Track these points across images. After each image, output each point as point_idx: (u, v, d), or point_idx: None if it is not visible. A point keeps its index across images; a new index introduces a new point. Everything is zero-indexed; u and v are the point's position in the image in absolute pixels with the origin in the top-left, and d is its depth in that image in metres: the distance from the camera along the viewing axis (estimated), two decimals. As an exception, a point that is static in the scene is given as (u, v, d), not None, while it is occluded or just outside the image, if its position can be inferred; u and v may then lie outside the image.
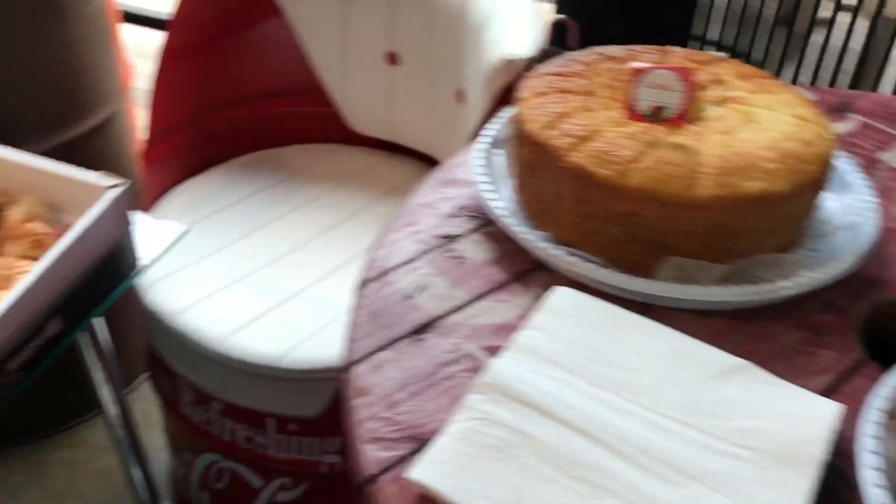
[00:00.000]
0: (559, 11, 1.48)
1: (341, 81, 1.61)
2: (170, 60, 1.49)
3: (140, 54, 1.78)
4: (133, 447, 1.23)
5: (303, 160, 1.65)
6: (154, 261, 1.02)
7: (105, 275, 0.96)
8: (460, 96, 1.43)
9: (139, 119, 1.78)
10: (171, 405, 1.42)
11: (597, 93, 0.73)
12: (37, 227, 0.95)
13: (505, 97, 1.19)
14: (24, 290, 0.85)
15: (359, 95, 1.62)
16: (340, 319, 1.31)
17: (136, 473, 1.26)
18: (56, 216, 1.00)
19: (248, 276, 1.39)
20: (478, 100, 1.31)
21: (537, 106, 0.72)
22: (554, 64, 0.77)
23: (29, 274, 0.88)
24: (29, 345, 0.87)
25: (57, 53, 1.49)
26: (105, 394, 1.15)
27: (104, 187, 0.95)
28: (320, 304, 1.34)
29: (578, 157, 0.67)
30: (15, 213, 0.97)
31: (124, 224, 0.97)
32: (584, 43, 1.42)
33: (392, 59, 1.55)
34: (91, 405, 1.75)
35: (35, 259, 0.93)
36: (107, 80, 1.62)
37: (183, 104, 1.56)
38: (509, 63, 1.19)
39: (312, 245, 1.47)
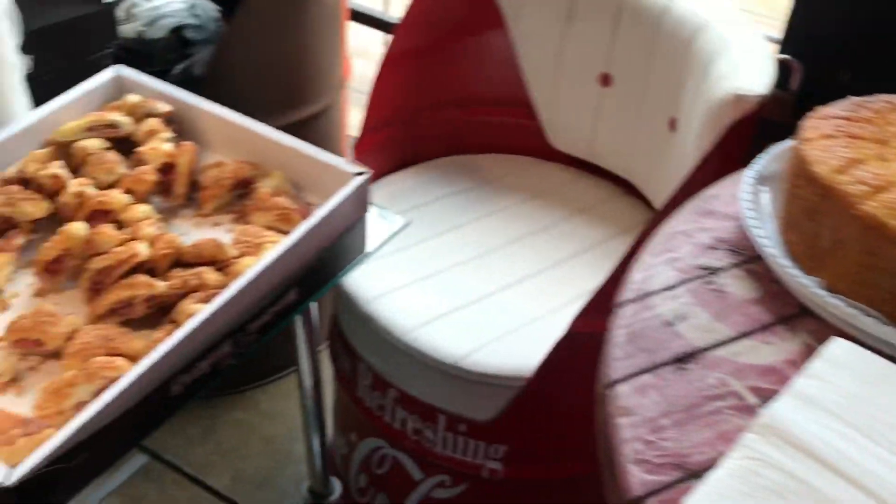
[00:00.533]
0: (782, 51, 1.42)
1: (550, 97, 1.61)
2: (394, 59, 1.53)
3: (358, 53, 1.84)
4: (318, 417, 1.26)
5: (499, 169, 1.66)
6: (376, 249, 1.05)
7: (338, 254, 0.99)
8: (673, 125, 1.40)
9: (350, 115, 1.85)
10: (347, 385, 1.46)
11: (890, 142, 0.70)
12: (284, 201, 0.99)
13: (732, 133, 1.16)
14: (274, 260, 0.89)
15: (565, 112, 1.61)
16: (523, 329, 1.31)
17: (316, 443, 1.30)
18: (299, 193, 1.04)
19: (438, 273, 1.41)
20: (695, 131, 1.28)
21: (825, 148, 0.69)
22: (838, 107, 0.75)
23: (278, 245, 0.92)
24: (268, 310, 0.91)
25: (292, 42, 1.57)
26: (304, 363, 1.18)
27: (351, 173, 0.98)
28: (505, 311, 1.35)
29: (872, 207, 0.64)
30: (265, 186, 1.01)
31: (362, 210, 1.00)
32: (807, 86, 1.37)
33: (605, 80, 1.54)
34: (266, 373, 1.83)
35: (279, 231, 0.98)
36: (329, 72, 1.69)
37: (398, 100, 1.61)
38: (740, 99, 1.16)
39: (501, 252, 1.47)
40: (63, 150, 1.07)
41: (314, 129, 1.76)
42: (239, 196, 1.05)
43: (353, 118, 1.82)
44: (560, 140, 1.65)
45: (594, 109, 1.58)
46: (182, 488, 1.63)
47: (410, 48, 1.56)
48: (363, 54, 1.58)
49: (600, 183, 1.64)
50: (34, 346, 0.87)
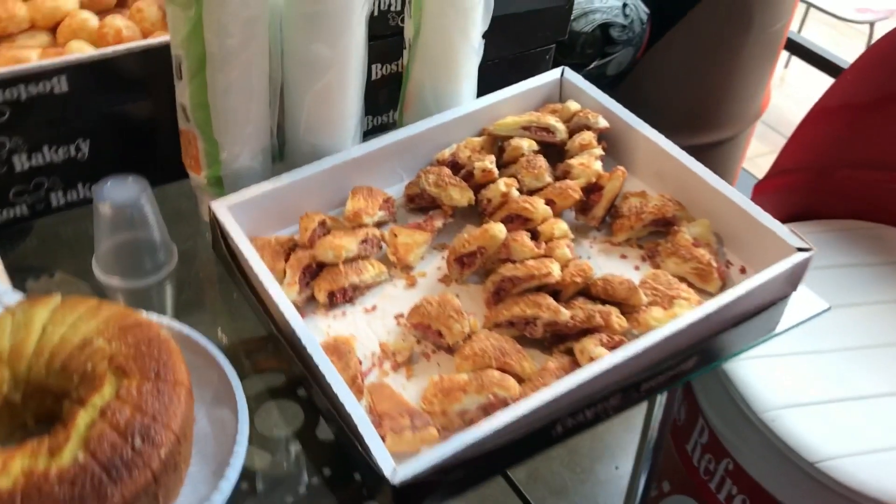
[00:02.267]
0: None
1: None
2: (829, 107, 1.35)
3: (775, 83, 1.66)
4: (653, 456, 1.17)
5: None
6: (788, 329, 0.91)
7: (750, 328, 0.87)
8: None
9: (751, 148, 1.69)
10: (678, 432, 1.33)
11: None
12: (705, 255, 0.89)
13: None
14: (691, 323, 0.79)
15: None
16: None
17: (642, 480, 1.21)
18: (720, 247, 0.93)
19: (820, 352, 1.21)
20: None
21: None
22: None
23: (694, 307, 0.82)
24: (665, 372, 0.82)
25: (722, 65, 1.46)
26: (659, 401, 1.09)
27: (793, 247, 0.85)
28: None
29: None
30: (687, 233, 0.92)
31: (791, 288, 0.87)
32: None
33: None
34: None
35: (692, 285, 0.88)
36: (749, 103, 1.55)
37: (819, 150, 1.42)
38: None
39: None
40: (495, 142, 1.05)
41: (712, 156, 1.64)
42: (653, 233, 0.97)
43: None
44: None
45: None
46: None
47: (851, 100, 1.36)
48: (778, 84, 1.41)
49: None
50: (432, 335, 0.86)
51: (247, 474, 0.77)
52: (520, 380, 0.82)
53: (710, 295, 0.89)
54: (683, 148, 1.00)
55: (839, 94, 1.37)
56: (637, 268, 0.95)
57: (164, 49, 0.93)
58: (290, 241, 0.96)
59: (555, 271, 0.86)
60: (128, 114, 0.98)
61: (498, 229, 0.90)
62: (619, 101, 1.06)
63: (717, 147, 1.64)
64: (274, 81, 0.94)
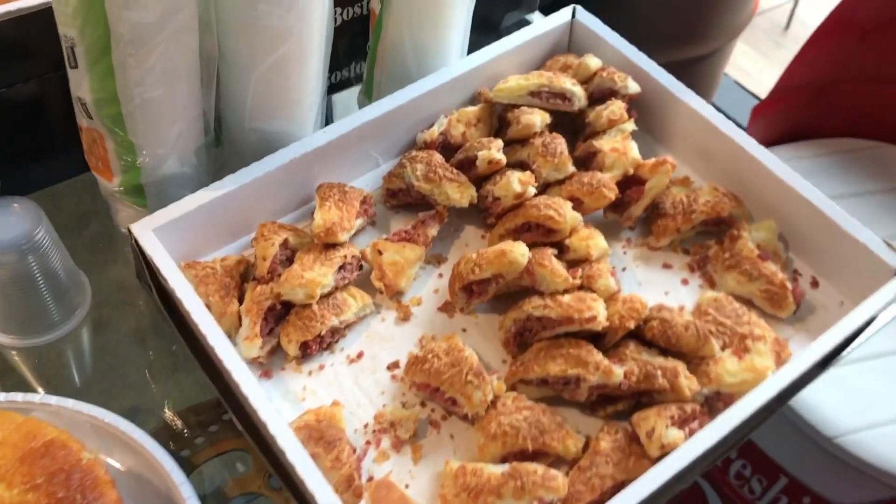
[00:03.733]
0: None
1: None
2: (837, 24, 1.17)
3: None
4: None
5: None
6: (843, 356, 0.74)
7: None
8: None
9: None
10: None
11: None
12: (776, 273, 0.70)
13: None
14: (785, 386, 0.61)
15: None
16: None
17: None
18: (785, 252, 0.75)
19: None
20: None
21: None
22: None
23: (771, 355, 0.64)
24: (740, 437, 0.64)
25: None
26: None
27: (893, 268, 0.67)
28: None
29: None
30: (749, 239, 0.72)
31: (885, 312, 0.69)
32: None
33: None
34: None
35: (759, 310, 0.70)
36: (739, 10, 1.34)
37: (822, 67, 1.25)
38: None
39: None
40: (494, 112, 0.82)
41: (696, 71, 1.43)
42: (701, 232, 0.77)
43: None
44: None
45: None
46: None
47: (858, 18, 1.18)
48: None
49: None
50: (442, 400, 0.66)
51: None
52: (562, 462, 0.63)
53: (781, 321, 0.72)
54: (665, 65, 0.80)
55: (846, 12, 1.18)
56: (685, 282, 0.75)
57: (47, 14, 0.65)
58: (240, 265, 0.73)
59: (600, 313, 0.66)
60: (9, 98, 0.70)
61: (519, 252, 0.68)
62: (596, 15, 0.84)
63: (704, 61, 1.42)
64: (208, 61, 0.67)
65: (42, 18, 0.64)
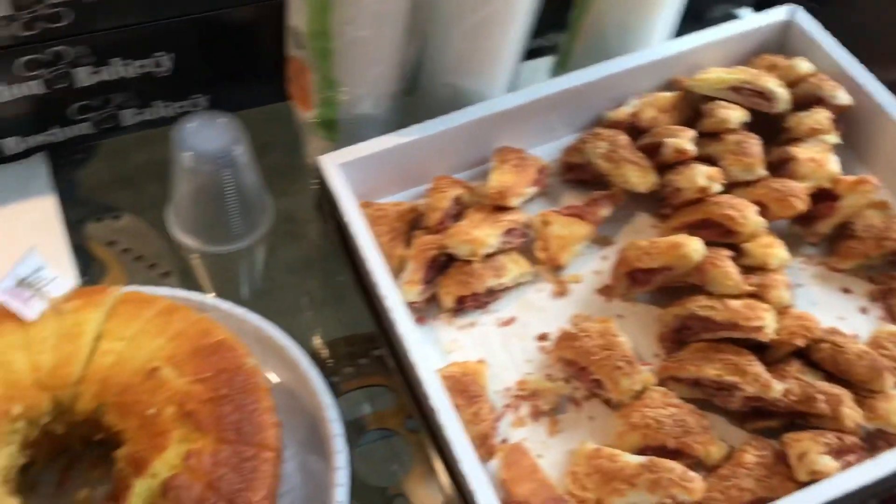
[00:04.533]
0: None
1: None
2: None
3: None
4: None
5: None
6: None
7: None
8: None
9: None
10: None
11: None
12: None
13: None
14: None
15: None
16: None
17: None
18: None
19: None
20: None
21: None
22: None
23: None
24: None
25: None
26: None
27: None
28: None
29: None
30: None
31: None
32: None
33: None
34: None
35: None
36: None
37: None
38: None
39: None
40: (690, 102, 0.79)
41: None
42: (891, 262, 0.72)
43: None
44: None
45: None
46: None
47: None
48: None
49: None
50: (587, 380, 0.65)
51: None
52: (700, 466, 0.61)
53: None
54: (886, 83, 0.74)
55: None
56: (864, 310, 0.70)
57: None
58: (412, 213, 0.74)
59: (768, 325, 0.63)
60: (218, 21, 0.74)
61: (693, 247, 0.66)
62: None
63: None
64: (417, 9, 0.69)
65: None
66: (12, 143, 0.75)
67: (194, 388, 0.54)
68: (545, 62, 0.89)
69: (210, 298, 0.66)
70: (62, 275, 0.59)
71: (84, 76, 0.72)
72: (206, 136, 0.68)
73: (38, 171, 0.74)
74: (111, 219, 0.77)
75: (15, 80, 0.69)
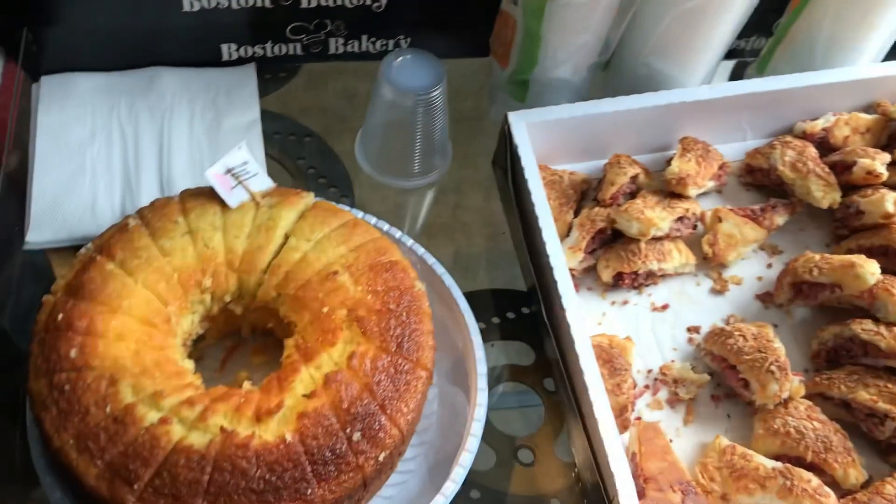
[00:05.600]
0: None
1: None
2: None
3: None
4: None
5: None
6: None
7: None
8: None
9: None
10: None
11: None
12: None
13: None
14: None
15: None
16: None
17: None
18: None
19: None
20: None
21: None
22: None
23: None
24: None
25: None
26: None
27: None
28: None
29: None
30: None
31: None
32: None
33: None
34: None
35: None
36: None
37: None
38: None
39: None
40: (888, 127, 0.76)
41: None
42: None
43: None
44: None
45: None
46: None
47: None
48: None
49: None
50: (733, 378, 0.65)
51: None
52: (834, 486, 0.60)
53: None
54: None
55: None
56: None
57: None
58: (584, 184, 0.75)
59: (932, 359, 0.61)
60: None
61: (869, 270, 0.65)
62: None
63: None
64: (637, -16, 0.69)
65: None
66: (229, 50, 0.80)
67: (366, 298, 0.57)
68: (737, 65, 0.88)
69: (384, 224, 0.69)
70: (261, 171, 0.64)
71: (307, -2, 0.76)
72: (411, 73, 0.71)
73: (248, 79, 0.79)
74: (302, 137, 0.81)
75: (246, -9, 0.74)
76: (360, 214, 0.69)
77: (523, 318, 0.72)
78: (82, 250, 0.60)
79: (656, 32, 0.72)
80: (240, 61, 0.81)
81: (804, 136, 0.76)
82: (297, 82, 0.85)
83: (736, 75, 0.88)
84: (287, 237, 0.61)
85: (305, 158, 0.80)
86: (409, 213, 0.78)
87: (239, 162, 0.62)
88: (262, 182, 0.63)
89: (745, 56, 0.88)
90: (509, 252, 0.75)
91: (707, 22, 0.71)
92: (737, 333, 0.66)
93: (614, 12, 0.71)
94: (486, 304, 0.74)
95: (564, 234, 0.72)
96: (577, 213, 0.74)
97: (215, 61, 0.80)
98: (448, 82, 0.73)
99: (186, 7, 0.74)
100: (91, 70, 0.77)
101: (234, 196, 0.61)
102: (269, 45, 0.80)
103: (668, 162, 0.76)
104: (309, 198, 0.63)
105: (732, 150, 0.79)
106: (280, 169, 0.79)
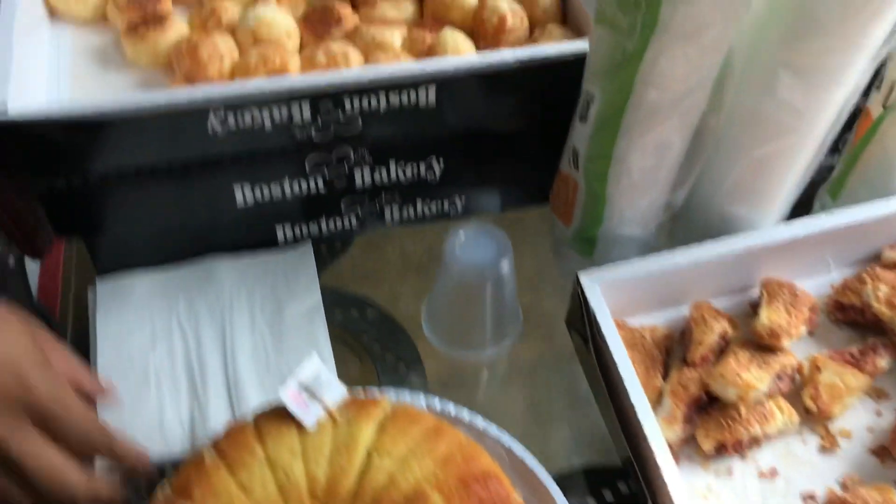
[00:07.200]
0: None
1: None
2: None
3: None
4: None
5: None
6: None
7: None
8: None
9: None
10: None
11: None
12: None
13: None
14: None
15: None
16: None
17: None
18: None
19: None
20: None
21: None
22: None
23: None
24: None
25: None
26: None
27: None
28: None
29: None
30: None
31: None
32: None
33: None
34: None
35: None
36: None
37: None
38: None
39: None
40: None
41: None
42: None
43: None
44: None
45: None
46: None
47: None
48: None
49: None
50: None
51: None
52: None
53: None
54: None
55: None
56: None
57: (567, 63, 0.67)
58: (667, 339, 0.71)
59: None
60: (489, 130, 0.74)
61: None
62: None
63: None
64: (703, 139, 0.66)
65: (573, 69, 0.66)
66: (283, 230, 0.78)
67: (462, 521, 0.53)
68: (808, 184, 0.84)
69: (464, 411, 0.64)
70: (334, 380, 0.60)
71: (361, 176, 0.73)
72: (477, 248, 0.67)
73: (306, 262, 0.76)
74: (363, 309, 0.78)
75: (301, 176, 0.72)
76: (437, 404, 0.64)
77: (623, 498, 0.67)
78: (158, 491, 0.56)
79: (727, 181, 0.68)
80: (295, 240, 0.78)
81: (894, 265, 0.71)
82: (353, 251, 0.82)
83: (805, 194, 0.84)
84: (370, 455, 0.57)
85: (368, 332, 0.76)
86: (479, 386, 0.74)
87: (312, 375, 0.59)
88: (335, 391, 0.59)
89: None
90: (593, 413, 0.70)
91: (781, 166, 0.67)
92: (859, 503, 0.60)
93: (677, 167, 0.67)
94: (578, 481, 0.69)
95: (655, 400, 0.67)
96: (664, 373, 0.69)
97: (271, 242, 0.78)
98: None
99: (240, 203, 0.71)
100: (145, 265, 0.75)
101: (310, 415, 0.57)
102: (323, 222, 0.78)
103: (753, 308, 0.71)
104: (386, 405, 0.59)
105: (817, 285, 0.74)
106: (345, 350, 0.75)
